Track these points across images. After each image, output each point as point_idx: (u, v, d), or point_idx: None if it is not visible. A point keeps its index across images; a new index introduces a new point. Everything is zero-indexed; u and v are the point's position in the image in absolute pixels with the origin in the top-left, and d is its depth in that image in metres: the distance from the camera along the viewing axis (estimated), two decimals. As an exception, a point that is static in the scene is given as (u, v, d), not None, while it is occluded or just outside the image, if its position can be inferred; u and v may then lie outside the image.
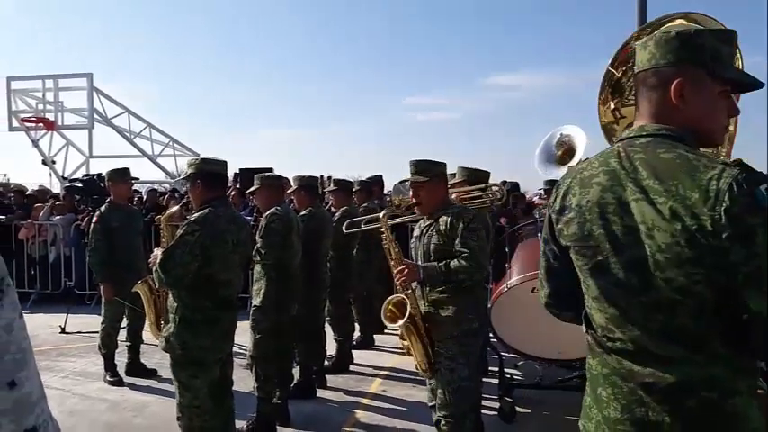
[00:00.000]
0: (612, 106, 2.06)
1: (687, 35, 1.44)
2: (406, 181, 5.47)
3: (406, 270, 3.14)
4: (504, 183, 6.22)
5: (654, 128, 1.46)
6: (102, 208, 5.53)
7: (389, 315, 3.15)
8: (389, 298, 3.19)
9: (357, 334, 6.47)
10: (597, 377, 1.54)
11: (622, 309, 1.43)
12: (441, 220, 3.25)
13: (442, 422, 3.22)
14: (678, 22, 2.20)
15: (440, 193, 3.39)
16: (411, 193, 3.36)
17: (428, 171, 3.32)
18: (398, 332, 3.39)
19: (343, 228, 4.94)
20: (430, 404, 3.42)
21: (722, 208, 1.25)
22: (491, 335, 4.67)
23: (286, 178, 7.09)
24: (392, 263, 3.24)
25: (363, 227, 4.76)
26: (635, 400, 1.44)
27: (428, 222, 3.32)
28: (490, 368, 5.19)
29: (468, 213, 3.27)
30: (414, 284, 3.19)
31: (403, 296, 3.11)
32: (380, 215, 3.41)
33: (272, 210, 4.35)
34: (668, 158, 1.36)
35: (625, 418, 1.46)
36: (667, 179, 1.34)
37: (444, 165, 3.47)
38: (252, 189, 4.61)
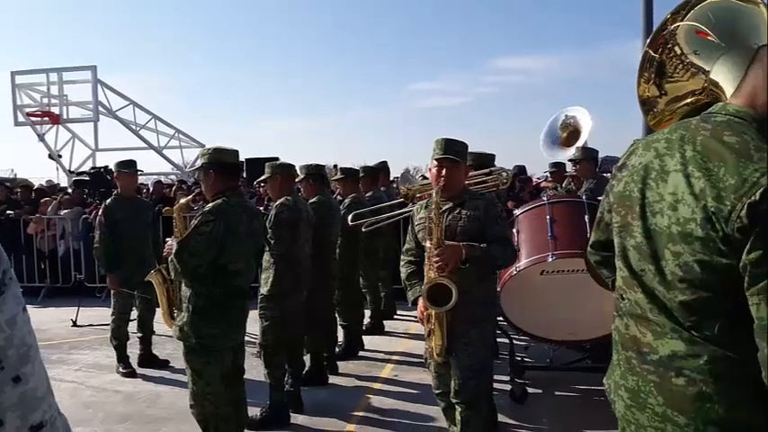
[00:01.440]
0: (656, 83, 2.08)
1: None
2: (424, 175, 5.44)
3: (449, 250, 3.01)
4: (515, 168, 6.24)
5: (735, 109, 1.39)
6: (108, 201, 5.55)
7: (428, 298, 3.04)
8: (430, 280, 3.06)
9: (367, 320, 6.50)
10: (614, 340, 1.59)
11: (634, 272, 1.46)
12: (471, 205, 3.17)
13: (461, 408, 3.18)
14: None
15: (465, 176, 3.38)
16: (438, 172, 3.16)
17: (462, 153, 3.26)
18: (410, 317, 3.34)
19: (355, 224, 4.93)
20: (436, 391, 3.39)
21: (749, 200, 1.21)
22: (500, 318, 4.67)
23: (295, 166, 7.13)
24: (429, 243, 3.08)
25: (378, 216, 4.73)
26: (629, 369, 1.50)
27: (449, 205, 3.19)
28: (501, 352, 5.19)
29: (497, 202, 3.31)
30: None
31: (446, 280, 2.98)
32: (433, 193, 3.18)
33: (281, 200, 4.34)
34: (728, 141, 1.31)
35: (622, 383, 1.54)
36: (714, 158, 1.30)
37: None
38: (263, 177, 4.60)
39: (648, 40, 2.04)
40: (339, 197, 6.10)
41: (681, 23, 1.64)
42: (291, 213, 4.28)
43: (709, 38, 1.95)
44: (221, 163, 3.38)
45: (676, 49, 1.57)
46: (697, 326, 1.35)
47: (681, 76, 1.89)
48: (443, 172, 3.16)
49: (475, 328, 3.15)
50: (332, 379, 5.11)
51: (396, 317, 6.96)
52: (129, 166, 5.62)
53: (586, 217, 4.29)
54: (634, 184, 1.47)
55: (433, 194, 3.15)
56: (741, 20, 1.78)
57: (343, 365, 5.40)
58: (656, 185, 1.41)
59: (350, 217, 5.44)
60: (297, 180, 5.38)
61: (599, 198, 4.69)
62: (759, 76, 1.39)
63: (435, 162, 3.20)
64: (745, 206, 1.21)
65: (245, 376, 3.68)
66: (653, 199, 1.41)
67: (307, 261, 4.55)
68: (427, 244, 3.11)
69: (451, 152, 3.18)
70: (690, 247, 1.32)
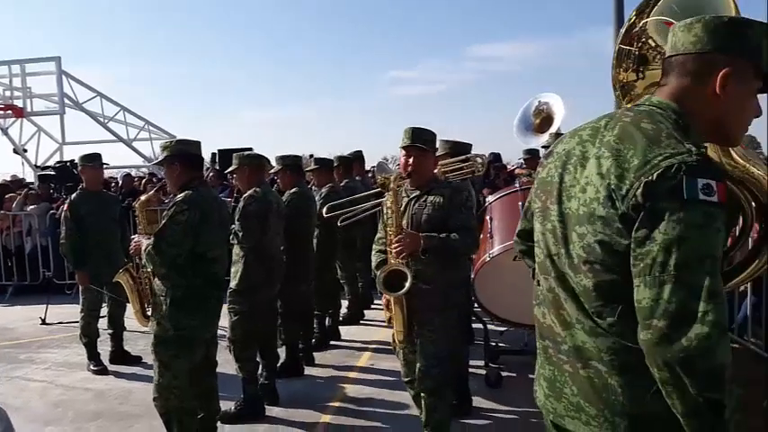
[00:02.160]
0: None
1: (740, 23, 1.37)
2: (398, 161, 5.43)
3: (408, 239, 3.05)
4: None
5: (659, 100, 1.41)
6: (73, 195, 5.42)
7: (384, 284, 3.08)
8: (386, 267, 3.10)
9: (344, 310, 6.47)
10: (536, 328, 1.60)
11: (549, 257, 1.48)
12: (437, 193, 3.17)
13: (425, 395, 3.21)
14: None
15: (433, 165, 3.36)
16: (405, 161, 3.20)
17: (431, 141, 3.27)
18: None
19: (329, 216, 4.89)
20: (405, 379, 3.40)
21: (647, 179, 1.23)
22: (475, 304, 4.69)
23: (266, 157, 7.02)
24: (390, 231, 3.13)
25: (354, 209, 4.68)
26: (546, 358, 1.52)
27: (416, 194, 3.21)
28: (476, 338, 5.21)
29: (465, 189, 3.25)
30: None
31: (402, 266, 3.02)
32: (391, 179, 3.25)
33: (249, 192, 4.26)
34: (644, 127, 1.33)
35: (541, 373, 1.55)
36: (627, 142, 1.32)
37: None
38: (231, 169, 4.51)
39: (620, 38, 2.12)
40: (314, 188, 6.04)
41: (648, 20, 1.70)
42: (260, 205, 4.20)
43: None
44: (185, 154, 3.38)
45: (650, 42, 1.63)
46: (600, 312, 1.34)
47: (659, 64, 1.96)
48: (411, 160, 3.18)
49: (439, 316, 3.16)
50: (308, 370, 5.08)
51: (373, 306, 6.95)
52: (93, 160, 5.48)
53: (558, 202, 4.32)
54: (555, 170, 1.49)
55: (392, 181, 3.18)
56: (706, 8, 1.84)
57: (319, 356, 5.38)
58: (575, 170, 1.42)
59: (324, 209, 5.40)
60: (272, 171, 5.33)
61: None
62: (681, 82, 1.41)
63: (403, 151, 3.22)
64: (642, 185, 1.23)
65: (220, 369, 3.65)
66: (569, 183, 1.42)
67: (278, 254, 4.50)
68: (388, 230, 3.15)
69: (419, 140, 3.19)
70: (592, 228, 1.33)
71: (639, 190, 1.23)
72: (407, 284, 2.98)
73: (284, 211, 4.60)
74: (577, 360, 1.40)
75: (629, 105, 1.49)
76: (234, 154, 4.52)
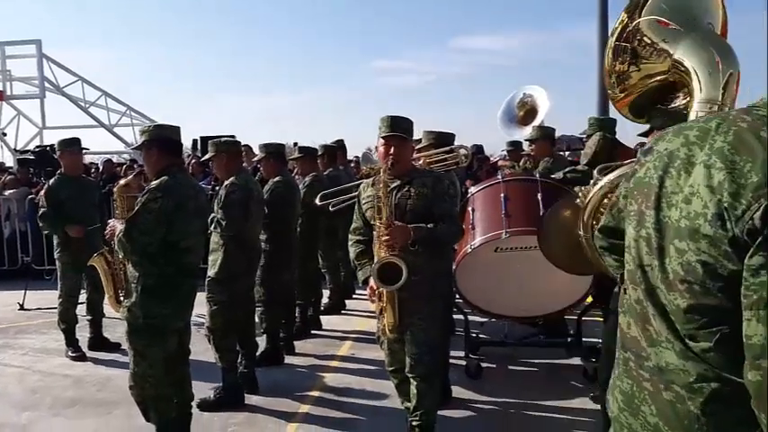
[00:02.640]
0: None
1: None
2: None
3: (398, 231, 3.05)
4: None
5: None
6: (52, 180, 5.35)
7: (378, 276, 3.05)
8: (380, 258, 3.07)
9: (326, 300, 6.47)
10: (618, 337, 1.46)
11: (641, 267, 1.34)
12: (419, 182, 3.17)
13: (416, 382, 3.23)
14: None
15: (412, 154, 3.37)
16: (386, 150, 3.16)
17: (409, 130, 3.26)
18: (366, 297, 3.35)
19: (323, 204, 4.88)
20: (390, 368, 3.42)
21: (767, 201, 1.08)
22: (456, 295, 4.71)
23: (247, 145, 6.97)
24: (379, 223, 3.10)
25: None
26: (626, 371, 1.40)
27: (397, 183, 3.20)
28: (456, 328, 5.24)
29: (446, 178, 3.26)
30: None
31: (397, 259, 3.00)
32: (381, 171, 3.20)
33: (231, 179, 4.20)
34: (765, 137, 1.16)
35: (617, 384, 1.43)
36: (744, 152, 1.15)
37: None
38: (208, 156, 4.47)
39: (614, 37, 2.20)
40: (298, 176, 6.02)
41: (640, 19, 1.72)
42: (243, 193, 4.17)
43: (670, 26, 2.11)
44: (163, 139, 3.35)
45: (645, 39, 1.65)
46: (693, 335, 1.22)
47: (655, 59, 2.06)
48: (391, 150, 3.16)
49: (428, 305, 3.20)
50: (289, 359, 5.08)
51: (354, 296, 6.96)
52: (72, 144, 5.42)
53: (539, 195, 4.34)
54: (654, 171, 1.33)
55: (381, 172, 3.15)
56: (694, 3, 1.89)
57: (300, 345, 5.37)
58: (678, 175, 1.26)
59: (317, 198, 5.40)
60: (256, 159, 5.30)
61: (553, 176, 4.78)
62: None
63: (382, 140, 3.20)
64: (762, 208, 1.08)
65: (200, 358, 3.64)
66: (671, 189, 1.27)
67: (258, 242, 4.48)
68: (377, 223, 3.11)
69: (399, 129, 3.19)
70: (695, 245, 1.19)
71: (758, 213, 1.08)
72: (403, 278, 2.97)
73: (264, 198, 4.57)
74: (660, 380, 1.29)
75: (743, 107, 1.31)
76: (210, 141, 4.46)
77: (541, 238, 3.49)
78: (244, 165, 4.94)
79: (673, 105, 2.71)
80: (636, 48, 2.16)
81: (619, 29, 2.13)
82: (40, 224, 5.30)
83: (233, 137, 6.38)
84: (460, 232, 3.37)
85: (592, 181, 2.84)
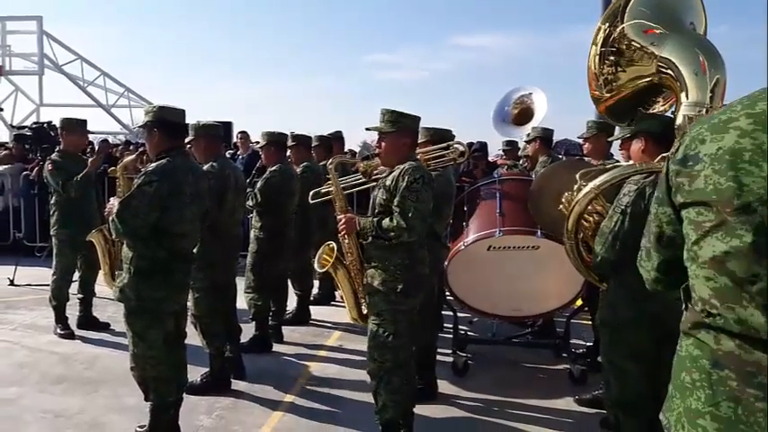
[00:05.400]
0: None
1: None
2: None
3: (344, 220, 3.29)
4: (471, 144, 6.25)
5: None
6: (54, 156, 5.32)
7: (323, 262, 3.37)
8: (325, 244, 3.41)
9: (316, 290, 6.48)
10: (684, 360, 1.32)
11: (739, 280, 1.18)
12: (391, 175, 3.19)
13: (372, 382, 3.25)
14: None
15: (403, 147, 3.26)
16: (378, 144, 3.34)
17: (395, 122, 3.23)
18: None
19: (310, 198, 4.88)
20: None
21: None
22: (447, 292, 4.73)
23: (244, 131, 6.96)
24: (337, 212, 3.39)
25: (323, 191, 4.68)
26: (723, 392, 1.22)
27: (382, 176, 3.31)
28: (445, 325, 5.27)
29: (416, 172, 3.09)
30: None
31: (332, 244, 3.36)
32: (329, 162, 3.62)
33: (206, 167, 4.04)
34: None
35: (707, 411, 1.25)
36: None
37: (415, 119, 3.33)
38: (187, 140, 4.37)
39: (599, 45, 2.27)
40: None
41: (624, 25, 1.76)
42: (217, 182, 4.02)
43: (656, 31, 2.17)
44: (166, 121, 3.30)
45: (634, 44, 1.68)
46: None
47: (642, 61, 2.16)
48: (380, 144, 3.30)
49: (384, 301, 3.17)
50: (277, 347, 5.09)
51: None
52: (79, 125, 5.42)
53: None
54: (719, 175, 1.20)
55: (329, 163, 3.60)
56: (677, 7, 1.92)
57: (288, 334, 5.39)
58: (758, 168, 1.15)
59: (309, 197, 5.39)
60: (258, 147, 5.26)
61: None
62: None
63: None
64: None
65: (186, 341, 3.63)
66: (757, 185, 1.15)
67: (237, 230, 4.45)
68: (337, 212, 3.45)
69: (382, 122, 3.26)
70: None
71: None
72: (329, 264, 3.28)
73: (244, 185, 4.53)
74: None
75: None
76: (190, 124, 4.38)
77: (533, 193, 3.94)
78: (239, 151, 4.92)
79: (652, 110, 2.77)
80: (624, 51, 2.23)
81: (602, 37, 2.19)
82: (71, 191, 5.10)
83: (230, 124, 6.35)
84: (408, 229, 3.05)
85: (576, 186, 2.83)
